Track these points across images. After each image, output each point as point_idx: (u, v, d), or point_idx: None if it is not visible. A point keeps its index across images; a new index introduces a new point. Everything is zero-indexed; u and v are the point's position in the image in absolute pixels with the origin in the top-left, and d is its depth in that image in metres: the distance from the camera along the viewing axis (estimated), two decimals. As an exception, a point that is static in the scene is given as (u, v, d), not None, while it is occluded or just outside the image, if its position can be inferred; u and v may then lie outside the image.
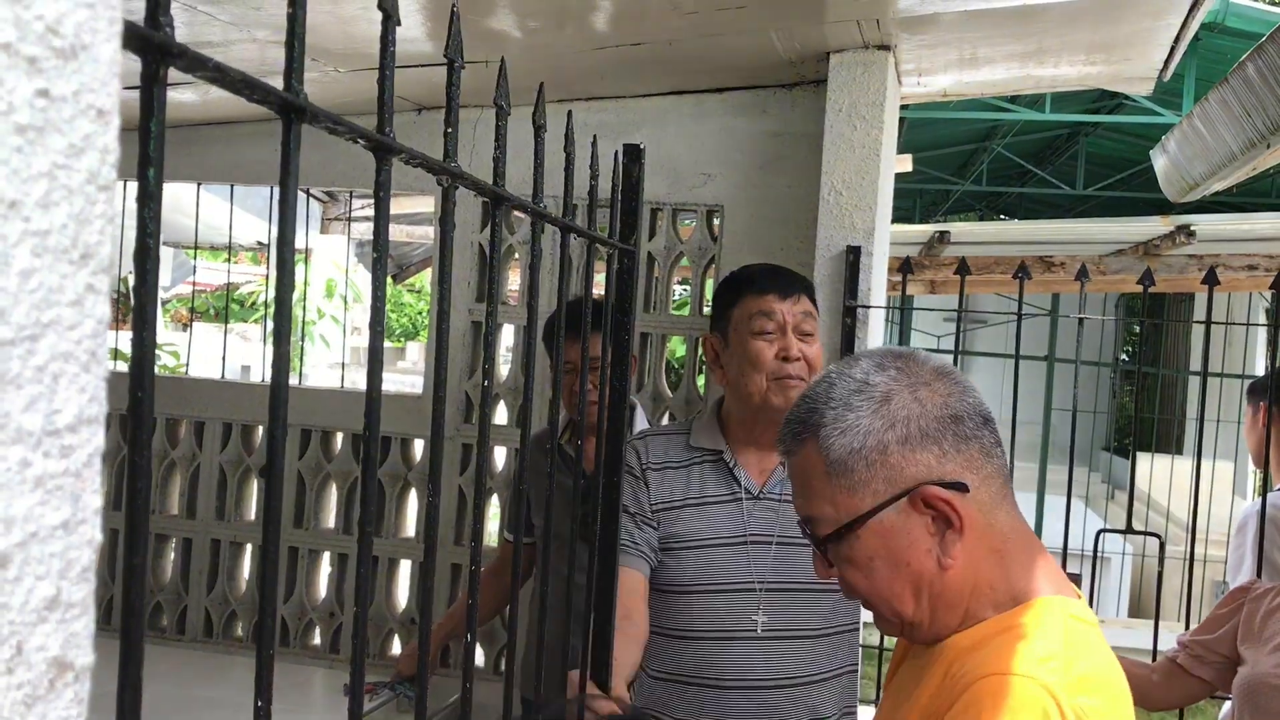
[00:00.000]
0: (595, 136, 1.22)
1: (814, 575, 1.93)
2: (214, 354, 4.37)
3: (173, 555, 3.36)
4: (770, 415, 1.93)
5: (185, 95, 3.07)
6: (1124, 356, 13.75)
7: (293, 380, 5.47)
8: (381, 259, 0.68)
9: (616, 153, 1.36)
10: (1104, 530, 2.53)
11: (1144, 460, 9.72)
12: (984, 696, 1.02)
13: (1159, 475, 8.85)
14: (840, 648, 1.99)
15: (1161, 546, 2.55)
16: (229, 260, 3.97)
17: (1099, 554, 7.20)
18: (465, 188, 0.80)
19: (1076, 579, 8.37)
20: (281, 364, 0.58)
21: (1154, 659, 2.41)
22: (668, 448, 2.04)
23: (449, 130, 0.77)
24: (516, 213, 2.55)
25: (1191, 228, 4.85)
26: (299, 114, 0.55)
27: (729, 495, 1.98)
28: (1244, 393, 3.19)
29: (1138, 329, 13.61)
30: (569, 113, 1.14)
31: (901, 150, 8.31)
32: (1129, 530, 2.51)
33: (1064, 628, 1.09)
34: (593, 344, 2.59)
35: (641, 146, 1.43)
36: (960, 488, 1.10)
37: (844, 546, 1.13)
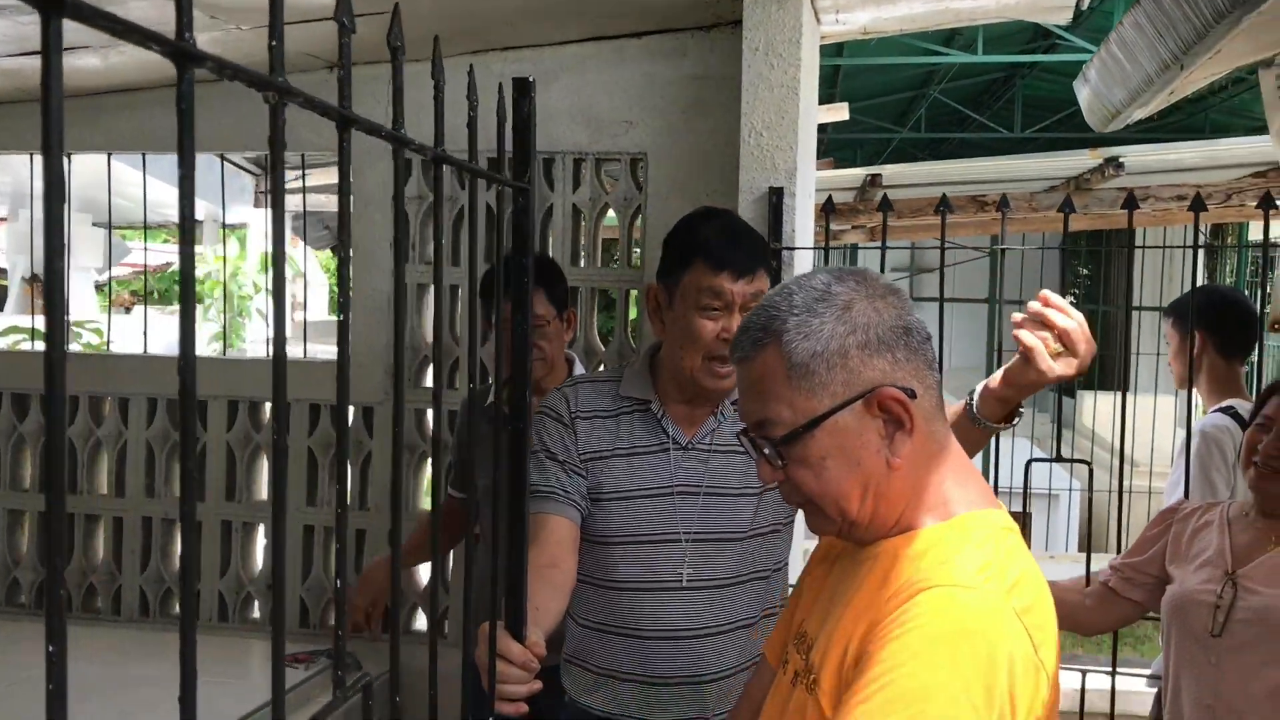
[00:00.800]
0: (471, 65, 1.17)
1: (743, 523, 1.93)
2: (158, 337, 4.28)
3: (103, 535, 3.29)
4: (699, 391, 1.90)
5: (87, 60, 2.97)
6: (1071, 297, 13.89)
7: (221, 352, 5.35)
8: (188, 176, 0.63)
9: (501, 84, 1.31)
10: (1034, 460, 2.53)
11: (1088, 397, 9.86)
12: (928, 606, 1.06)
13: (1104, 412, 8.96)
14: (766, 590, 1.98)
15: (1091, 474, 2.56)
16: (145, 238, 3.85)
17: (1046, 491, 7.27)
18: (297, 105, 0.76)
19: (1025, 518, 8.50)
20: (55, 317, 0.54)
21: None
22: (597, 396, 2.00)
23: (273, 43, 0.73)
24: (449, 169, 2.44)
25: (1120, 160, 4.87)
26: (55, 5, 0.51)
27: (657, 445, 1.95)
28: (1162, 314, 3.22)
29: (1085, 270, 13.75)
30: (435, 37, 1.09)
31: (838, 99, 8.27)
32: (1058, 459, 2.51)
33: (994, 538, 1.16)
34: (532, 301, 2.58)
35: (531, 80, 1.38)
36: (910, 394, 1.17)
37: (798, 447, 1.18)
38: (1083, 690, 2.73)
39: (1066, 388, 11.82)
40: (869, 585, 1.16)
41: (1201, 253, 8.74)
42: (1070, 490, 7.28)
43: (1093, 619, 2.36)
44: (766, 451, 1.21)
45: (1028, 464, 2.51)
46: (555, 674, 2.08)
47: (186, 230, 0.65)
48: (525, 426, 1.45)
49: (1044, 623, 1.12)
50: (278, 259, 0.81)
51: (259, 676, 2.69)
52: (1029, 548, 1.25)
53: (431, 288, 3.27)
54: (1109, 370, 10.79)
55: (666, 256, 1.93)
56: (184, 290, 0.66)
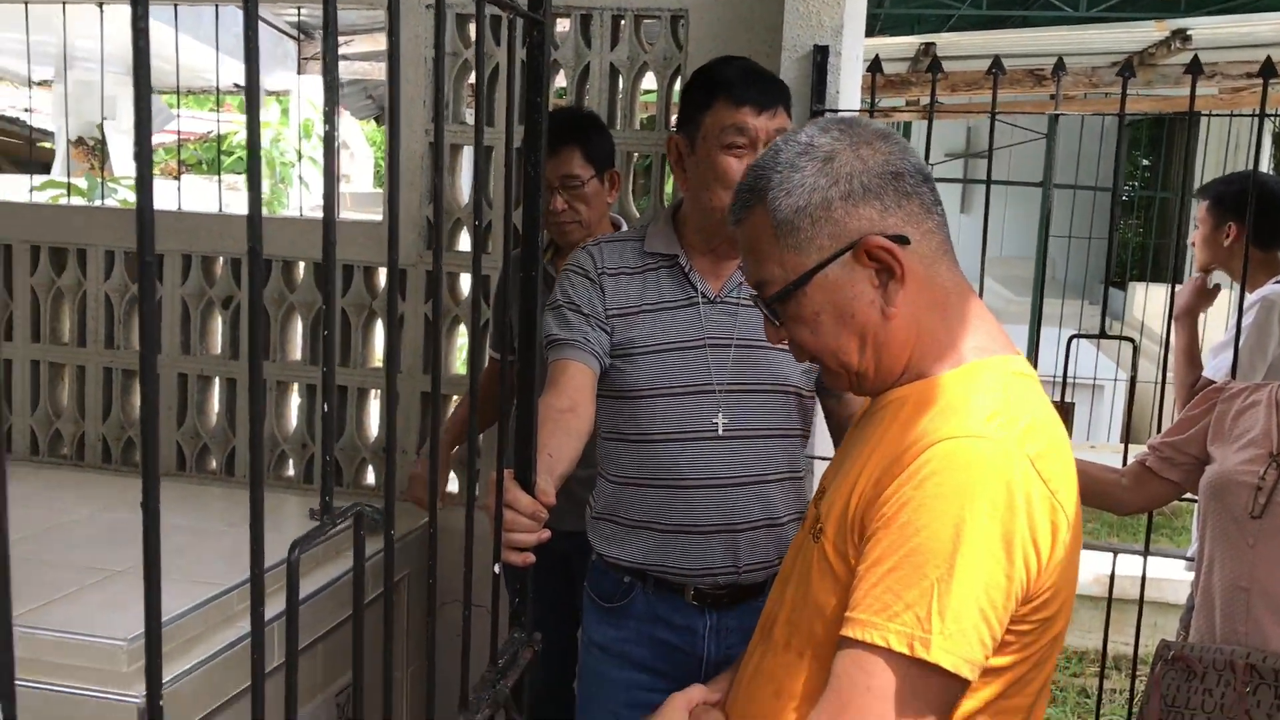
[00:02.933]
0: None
1: (774, 376, 1.91)
2: (197, 203, 4.25)
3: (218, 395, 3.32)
4: (731, 233, 1.86)
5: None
6: (1128, 187, 13.47)
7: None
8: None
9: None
10: (1077, 336, 2.46)
11: (1139, 289, 9.64)
12: (939, 460, 1.04)
13: (1155, 302, 8.75)
14: (797, 450, 1.97)
15: (1136, 351, 2.49)
16: (178, 103, 3.80)
17: (1090, 380, 7.15)
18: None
19: (1068, 408, 8.37)
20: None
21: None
22: (622, 253, 1.98)
23: None
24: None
25: (1188, 32, 4.63)
26: None
27: (685, 300, 1.94)
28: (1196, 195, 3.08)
29: (1145, 161, 13.32)
30: None
31: (896, -31, 7.93)
32: (1102, 335, 2.43)
33: (1005, 385, 1.13)
34: (566, 160, 2.50)
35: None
36: (902, 240, 1.14)
37: (792, 305, 1.18)
38: (1113, 574, 2.69)
39: (1116, 279, 11.54)
40: (876, 436, 1.16)
41: (1269, 137, 8.40)
42: (1115, 380, 7.17)
43: (1128, 498, 2.31)
44: (766, 313, 1.22)
45: (1070, 339, 2.43)
46: (581, 539, 2.09)
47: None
48: (535, 271, 1.41)
49: (1059, 468, 1.10)
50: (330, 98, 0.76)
51: (290, 528, 2.72)
52: (1070, 437, 1.22)
53: (466, 149, 3.21)
54: (1162, 260, 10.53)
55: (686, 104, 1.90)
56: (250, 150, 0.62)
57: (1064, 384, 2.57)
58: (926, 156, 2.43)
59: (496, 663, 1.38)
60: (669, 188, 3.61)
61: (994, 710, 1.10)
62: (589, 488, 2.56)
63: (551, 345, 1.91)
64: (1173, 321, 2.80)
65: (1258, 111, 2.44)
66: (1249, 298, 2.83)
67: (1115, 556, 2.66)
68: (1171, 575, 4.29)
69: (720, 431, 1.90)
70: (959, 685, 1.04)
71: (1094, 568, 4.54)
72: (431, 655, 1.23)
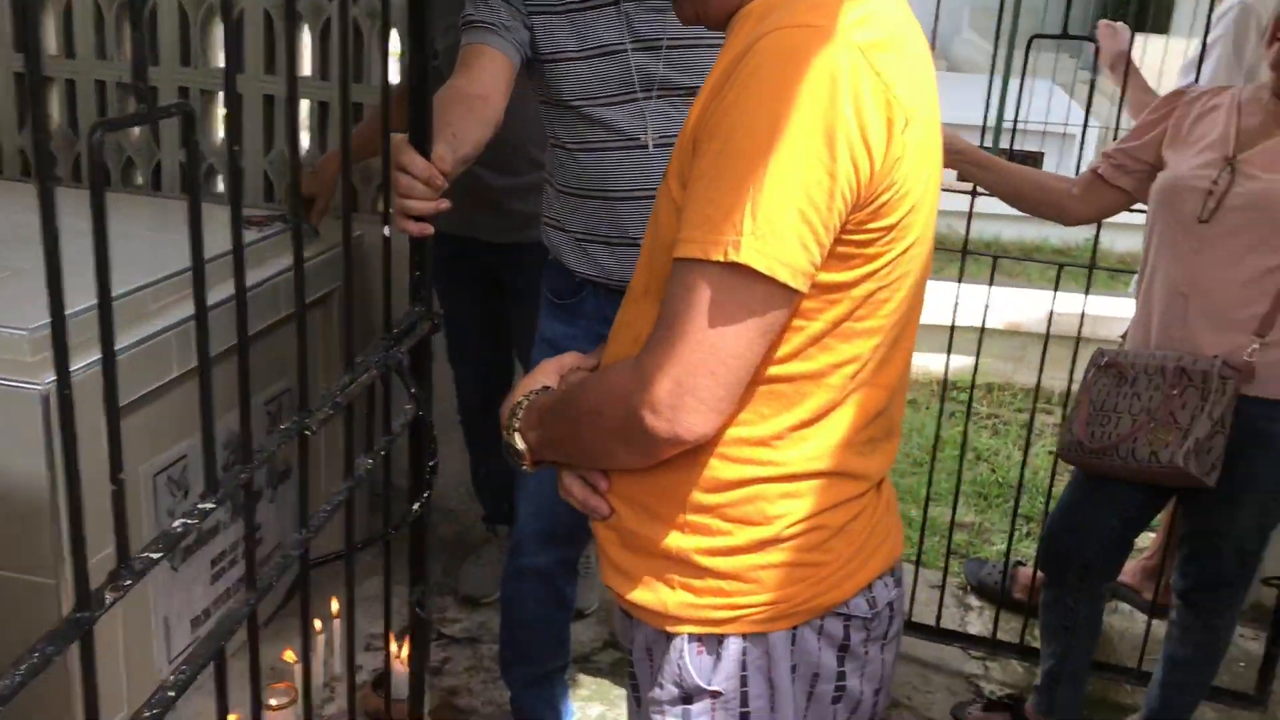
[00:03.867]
0: None
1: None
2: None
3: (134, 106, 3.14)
4: None
5: None
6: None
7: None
8: None
9: None
10: (1037, 35, 2.30)
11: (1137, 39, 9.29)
12: (758, 56, 0.95)
13: (1150, 59, 8.46)
14: None
15: (1097, 51, 2.36)
16: None
17: (1061, 128, 6.98)
18: None
19: (1038, 157, 8.22)
20: None
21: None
22: None
23: None
24: None
25: None
26: None
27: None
28: None
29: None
30: None
31: None
32: (1065, 36, 2.26)
33: None
34: None
35: None
36: None
37: None
38: (1051, 312, 2.63)
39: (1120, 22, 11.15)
40: (718, 59, 1.04)
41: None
42: (1087, 127, 6.99)
43: (1076, 207, 2.25)
44: None
45: (1030, 40, 2.28)
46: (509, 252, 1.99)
47: None
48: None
49: (899, 64, 0.99)
50: None
51: (217, 236, 2.61)
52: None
53: None
54: (1163, 14, 10.13)
55: None
56: None
57: (1020, 88, 2.44)
58: None
59: (391, 330, 1.32)
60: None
61: (846, 333, 1.03)
62: (515, 198, 2.47)
63: (468, 27, 1.79)
64: (1109, 71, 2.58)
65: None
66: (1219, 6, 2.66)
67: (1059, 273, 2.62)
68: (1119, 313, 4.30)
69: (650, 146, 1.81)
70: (784, 294, 0.96)
71: (1046, 305, 4.54)
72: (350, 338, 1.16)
